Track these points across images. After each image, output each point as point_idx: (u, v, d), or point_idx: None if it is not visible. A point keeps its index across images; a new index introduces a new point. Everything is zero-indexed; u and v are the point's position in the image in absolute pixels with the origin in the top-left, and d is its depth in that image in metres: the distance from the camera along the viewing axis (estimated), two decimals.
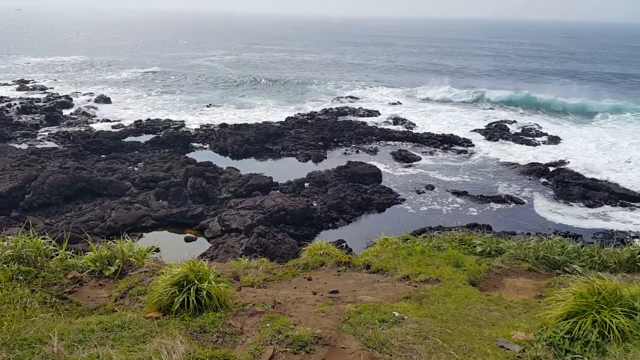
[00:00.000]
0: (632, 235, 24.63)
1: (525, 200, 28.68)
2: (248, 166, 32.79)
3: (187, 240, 22.51)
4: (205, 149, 37.16)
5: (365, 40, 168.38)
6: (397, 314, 5.79)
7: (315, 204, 26.12)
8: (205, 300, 5.49)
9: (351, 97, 59.85)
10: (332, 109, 51.94)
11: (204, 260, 6.32)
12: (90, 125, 41.45)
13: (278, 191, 27.99)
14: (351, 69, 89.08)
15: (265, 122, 43.68)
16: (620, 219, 26.52)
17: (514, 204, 28.23)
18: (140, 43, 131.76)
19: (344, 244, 21.86)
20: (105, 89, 58.95)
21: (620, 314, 4.65)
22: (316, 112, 49.65)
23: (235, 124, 42.22)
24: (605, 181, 31.15)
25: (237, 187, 27.44)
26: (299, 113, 49.22)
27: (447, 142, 39.87)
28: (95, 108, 48.10)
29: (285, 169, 32.80)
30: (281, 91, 63.92)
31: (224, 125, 42.02)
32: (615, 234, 24.46)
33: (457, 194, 29.27)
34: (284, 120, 45.19)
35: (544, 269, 8.42)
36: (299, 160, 35.20)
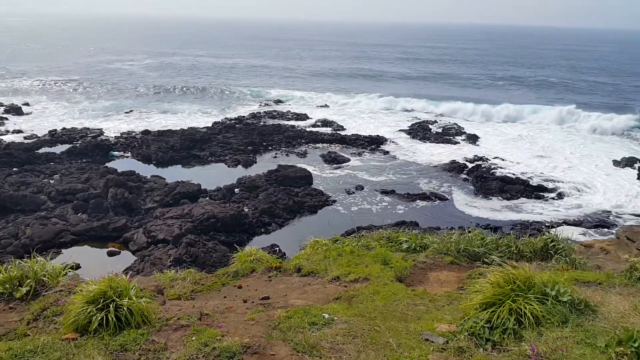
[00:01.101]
0: (546, 224, 26.43)
1: (448, 197, 29.98)
2: (174, 174, 31.76)
3: (110, 254, 21.38)
4: (127, 157, 35.58)
5: (290, 44, 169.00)
6: (327, 316, 5.80)
7: (246, 210, 25.78)
8: (127, 317, 5.22)
9: (279, 100, 59.86)
10: (260, 112, 51.64)
11: (125, 275, 6.02)
12: (0, 137, 38.36)
13: (207, 198, 27.34)
14: (278, 73, 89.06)
15: (191, 127, 42.59)
16: (532, 211, 28.39)
17: (438, 201, 29.40)
18: (59, 49, 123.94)
19: (278, 248, 21.74)
20: (17, 98, 54.82)
21: (533, 301, 4.94)
22: (244, 117, 49.15)
23: (159, 131, 40.77)
24: (521, 175, 33.26)
25: (163, 196, 26.50)
26: (226, 118, 48.48)
27: (374, 142, 40.87)
28: (6, 119, 44.64)
29: (214, 175, 32.12)
30: (207, 96, 62.60)
31: (146, 132, 40.46)
32: (531, 225, 26.13)
33: (386, 193, 30.05)
34: (210, 125, 44.28)
35: (466, 261, 8.80)
36: (228, 166, 34.63)
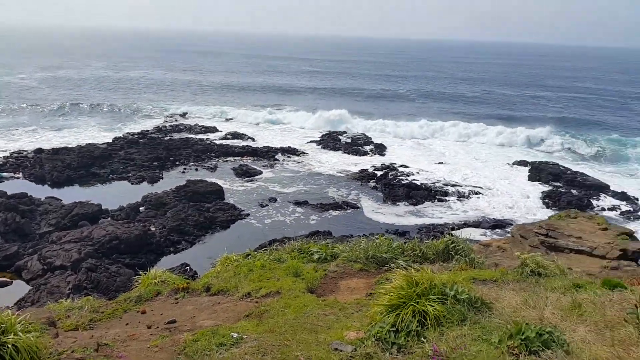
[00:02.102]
0: (449, 227, 27.98)
1: (359, 205, 30.78)
2: (71, 194, 29.56)
3: (1, 285, 19.41)
4: (18, 178, 32.60)
5: (195, 57, 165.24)
6: (235, 335, 5.62)
7: (153, 229, 24.61)
8: (12, 356, 4.70)
9: (184, 113, 58.01)
10: (165, 126, 49.83)
11: (15, 308, 5.43)
12: None
13: (109, 219, 25.73)
14: (184, 86, 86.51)
15: (89, 144, 39.98)
16: (436, 214, 29.98)
17: (350, 209, 30.08)
18: None
19: (188, 267, 20.96)
20: None
21: (435, 301, 5.14)
22: (148, 131, 47.11)
23: (53, 148, 37.84)
24: (426, 181, 35.02)
25: (60, 218, 24.55)
26: (128, 132, 46.17)
27: (285, 153, 41.04)
28: None
29: (117, 194, 30.35)
30: (106, 110, 58.98)
31: (39, 151, 37.39)
32: (435, 227, 27.54)
33: (299, 204, 30.20)
34: (111, 141, 41.89)
35: (374, 267, 9.01)
36: (132, 183, 32.93)
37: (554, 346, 4.08)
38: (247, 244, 21.11)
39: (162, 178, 34.17)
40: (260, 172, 36.13)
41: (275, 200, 30.63)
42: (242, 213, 28.14)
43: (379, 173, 36.43)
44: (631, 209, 31.09)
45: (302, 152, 42.16)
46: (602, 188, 34.39)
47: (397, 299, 5.31)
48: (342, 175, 36.74)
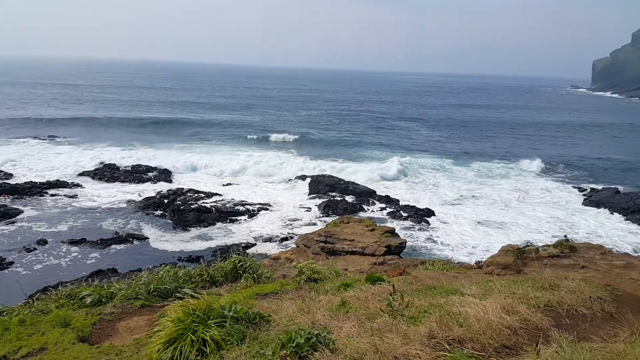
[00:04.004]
0: (243, 245, 28.33)
1: (146, 235, 29.00)
2: None
3: None
4: None
5: None
6: None
7: None
8: None
9: None
10: None
11: None
12: None
13: None
14: None
15: None
16: (228, 235, 30.13)
17: (136, 241, 28.13)
18: None
19: None
20: None
21: (213, 327, 5.03)
22: None
23: None
24: (215, 203, 34.89)
25: None
26: None
27: (54, 188, 36.30)
28: None
29: None
30: None
31: None
32: (229, 248, 27.59)
33: (74, 242, 26.99)
34: None
35: (158, 301, 8.48)
36: None
37: (321, 347, 4.37)
38: (12, 298, 18.01)
39: None
40: (21, 212, 31.16)
41: (45, 242, 26.80)
42: (3, 262, 23.87)
43: (166, 200, 34.95)
44: (394, 210, 36.14)
45: (75, 185, 37.88)
46: (370, 194, 39.20)
47: (174, 332, 5.05)
48: (125, 206, 34.17)
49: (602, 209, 37.06)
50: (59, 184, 37.19)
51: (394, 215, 34.83)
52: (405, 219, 33.86)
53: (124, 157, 47.96)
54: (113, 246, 27.05)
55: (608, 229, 32.81)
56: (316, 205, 36.21)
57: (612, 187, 42.86)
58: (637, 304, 7.22)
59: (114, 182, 40.08)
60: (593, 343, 5.21)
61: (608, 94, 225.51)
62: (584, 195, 41.56)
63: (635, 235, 31.64)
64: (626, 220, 34.67)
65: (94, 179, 40.67)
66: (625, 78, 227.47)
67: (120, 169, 43.75)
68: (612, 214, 36.02)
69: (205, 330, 4.94)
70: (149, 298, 8.50)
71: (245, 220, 32.65)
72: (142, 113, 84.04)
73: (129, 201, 34.97)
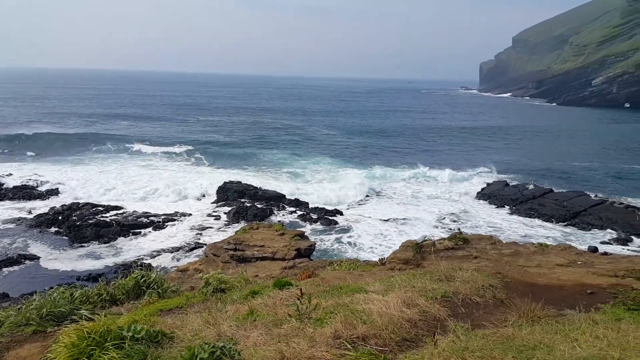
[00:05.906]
0: (147, 260, 27.05)
1: (39, 255, 26.74)
2: None
3: None
4: None
5: None
6: None
7: None
8: None
9: None
10: None
11: None
12: None
13: None
14: None
15: None
16: (132, 248, 28.65)
17: (29, 262, 25.88)
18: None
19: None
20: None
21: (111, 349, 4.77)
22: None
23: None
24: (116, 217, 32.95)
25: None
26: None
27: None
28: None
29: None
30: None
31: None
32: (133, 262, 26.20)
33: None
34: None
35: (52, 326, 7.86)
36: None
37: (225, 359, 4.31)
38: None
39: None
40: None
41: None
42: None
43: (60, 217, 32.39)
44: (304, 212, 36.49)
45: None
46: (280, 198, 39.26)
47: (68, 357, 4.72)
48: (14, 225, 31.23)
49: (493, 201, 40.26)
50: None
51: (304, 218, 35.19)
52: (316, 221, 34.37)
53: (11, 172, 43.83)
54: (4, 269, 24.67)
55: (498, 220, 35.74)
56: (225, 212, 35.58)
57: (502, 180, 46.64)
58: (524, 288, 7.91)
59: (0, 200, 36.44)
60: (486, 329, 5.60)
61: (494, 94, 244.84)
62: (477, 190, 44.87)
63: (521, 224, 34.76)
64: (514, 210, 37.98)
65: None
66: (509, 79, 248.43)
67: (8, 185, 39.85)
68: (502, 206, 39.27)
69: (103, 354, 4.67)
70: (41, 323, 7.84)
71: (150, 232, 31.24)
72: (26, 128, 76.72)
73: (18, 219, 32.01)
